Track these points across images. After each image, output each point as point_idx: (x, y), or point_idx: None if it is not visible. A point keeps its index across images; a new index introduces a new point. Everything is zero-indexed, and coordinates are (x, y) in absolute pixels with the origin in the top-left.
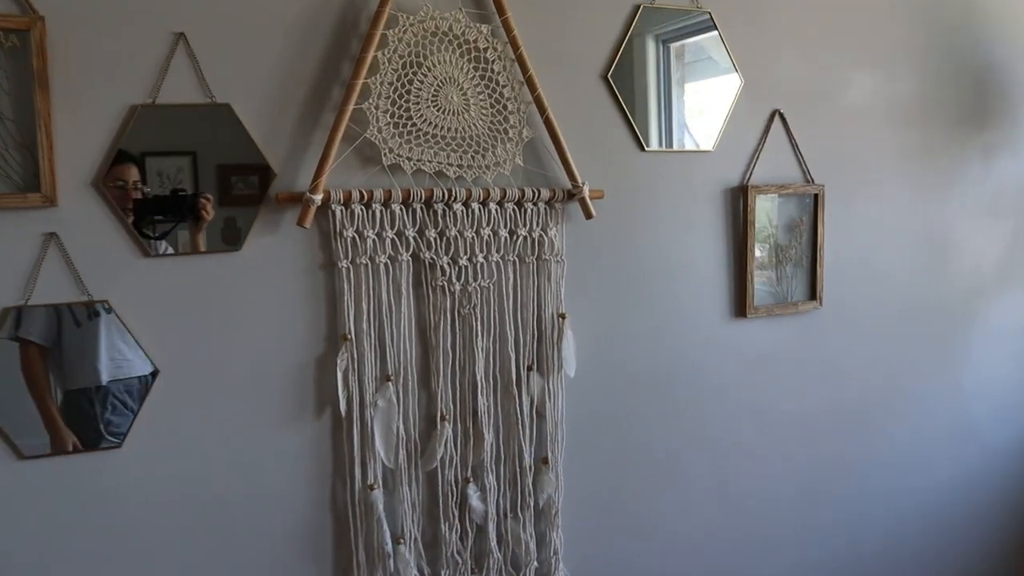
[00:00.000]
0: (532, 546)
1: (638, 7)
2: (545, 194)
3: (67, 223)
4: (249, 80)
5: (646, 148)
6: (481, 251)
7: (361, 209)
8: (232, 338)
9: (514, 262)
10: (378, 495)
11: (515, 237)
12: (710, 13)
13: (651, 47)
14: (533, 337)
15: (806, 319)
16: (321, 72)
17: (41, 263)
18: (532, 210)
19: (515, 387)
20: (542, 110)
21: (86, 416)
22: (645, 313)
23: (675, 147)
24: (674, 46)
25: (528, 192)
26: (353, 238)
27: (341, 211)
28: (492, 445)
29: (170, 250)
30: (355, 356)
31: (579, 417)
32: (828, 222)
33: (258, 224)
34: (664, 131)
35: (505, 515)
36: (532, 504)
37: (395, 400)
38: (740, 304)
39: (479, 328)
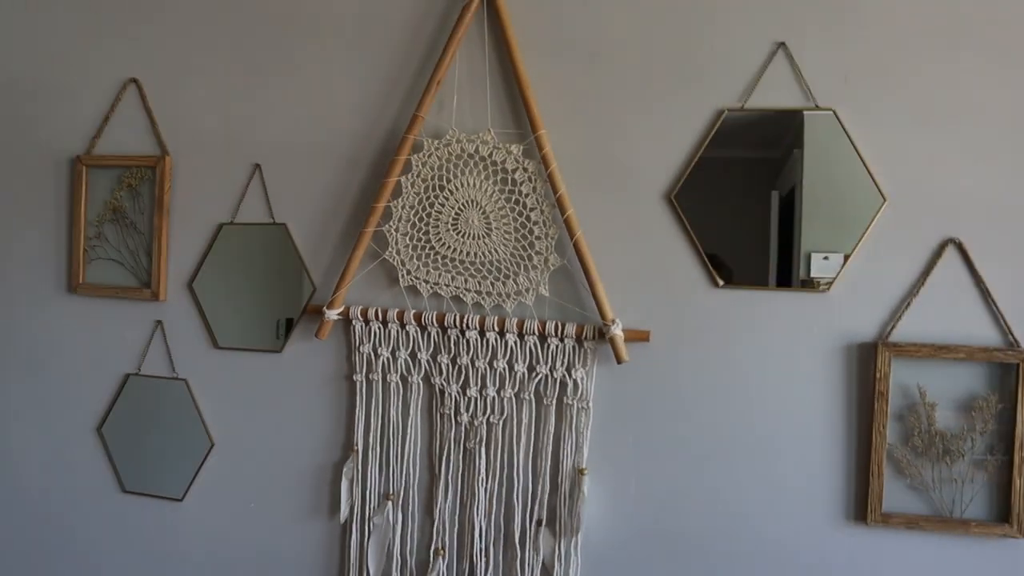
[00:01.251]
0: None
1: (721, 112)
2: (570, 330)
3: (169, 314)
4: (305, 204)
5: (720, 284)
6: (493, 384)
7: (378, 327)
8: (269, 429)
9: (530, 401)
10: None
11: (535, 375)
12: (835, 112)
13: (735, 161)
14: (545, 489)
15: (986, 551)
16: (361, 197)
17: (148, 345)
18: (557, 346)
19: (518, 541)
20: (571, 233)
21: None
22: (704, 489)
23: (767, 284)
24: (773, 160)
25: (550, 326)
26: (369, 354)
27: (361, 327)
28: None
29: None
30: (360, 469)
31: None
32: None
33: (298, 330)
34: (753, 263)
35: None
36: None
37: (392, 521)
38: (860, 504)
39: (483, 467)
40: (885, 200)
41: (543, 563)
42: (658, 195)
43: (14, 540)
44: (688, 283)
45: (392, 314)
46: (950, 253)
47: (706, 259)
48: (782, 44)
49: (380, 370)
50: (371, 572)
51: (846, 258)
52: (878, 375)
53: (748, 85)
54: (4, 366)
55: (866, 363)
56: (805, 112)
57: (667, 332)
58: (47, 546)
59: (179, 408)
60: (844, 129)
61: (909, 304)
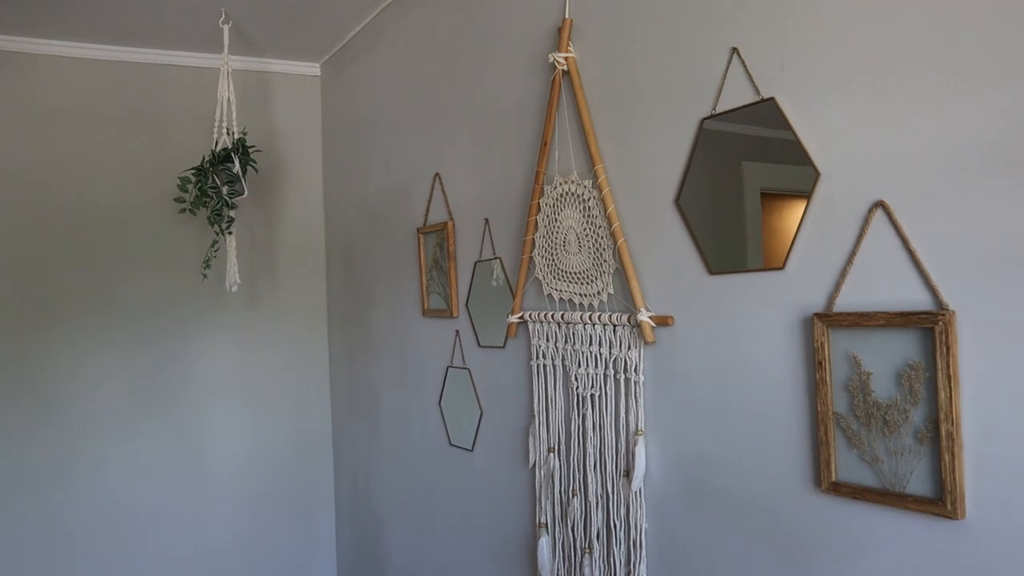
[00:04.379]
0: None
1: (702, 120)
2: (624, 319)
3: (460, 325)
4: (508, 242)
5: (712, 271)
6: (591, 364)
7: (538, 325)
8: (501, 400)
9: (610, 376)
10: (543, 531)
11: (612, 355)
12: (774, 99)
13: (717, 159)
14: (624, 446)
15: (920, 528)
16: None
17: (453, 347)
18: (621, 332)
19: (609, 487)
20: (615, 241)
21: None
22: (715, 449)
23: (748, 267)
24: (742, 150)
25: (614, 317)
26: (536, 345)
27: (531, 326)
28: (600, 532)
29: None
30: (537, 429)
31: (666, 533)
32: (968, 373)
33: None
34: (735, 250)
35: None
36: None
37: (552, 467)
38: (817, 473)
39: (589, 428)
40: (819, 174)
41: (626, 504)
42: (670, 202)
43: (398, 474)
44: (691, 273)
45: (541, 315)
46: (879, 217)
47: (703, 250)
48: (735, 49)
49: (541, 356)
50: (542, 504)
51: (794, 235)
52: (816, 345)
53: (716, 91)
54: (399, 363)
55: (811, 335)
56: (754, 105)
57: (681, 316)
58: (414, 480)
59: (467, 388)
60: (781, 112)
61: (846, 273)
